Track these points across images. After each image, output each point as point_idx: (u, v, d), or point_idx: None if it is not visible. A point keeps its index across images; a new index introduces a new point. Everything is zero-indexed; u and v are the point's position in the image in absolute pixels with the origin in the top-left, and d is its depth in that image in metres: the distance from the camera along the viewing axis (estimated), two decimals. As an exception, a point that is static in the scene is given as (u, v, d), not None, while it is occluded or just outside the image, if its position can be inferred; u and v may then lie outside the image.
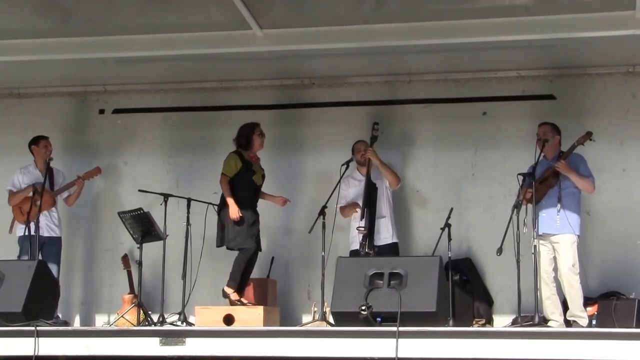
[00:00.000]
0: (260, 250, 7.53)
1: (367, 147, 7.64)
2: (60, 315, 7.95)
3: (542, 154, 7.06)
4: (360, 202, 7.54)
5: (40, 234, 7.78)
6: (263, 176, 7.57)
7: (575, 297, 6.85)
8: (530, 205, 6.83)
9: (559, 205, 6.86)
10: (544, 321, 6.76)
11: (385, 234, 7.64)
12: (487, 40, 7.40)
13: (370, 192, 7.53)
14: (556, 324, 6.83)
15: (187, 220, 7.61)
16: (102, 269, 8.75)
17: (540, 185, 6.94)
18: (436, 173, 8.41)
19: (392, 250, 7.59)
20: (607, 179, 7.43)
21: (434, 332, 5.76)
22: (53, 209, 8.06)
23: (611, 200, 7.89)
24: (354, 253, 7.49)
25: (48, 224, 7.98)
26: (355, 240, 7.52)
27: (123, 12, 7.41)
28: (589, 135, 6.94)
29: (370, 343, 5.78)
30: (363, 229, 7.35)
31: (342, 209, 7.73)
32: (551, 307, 6.90)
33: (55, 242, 8.04)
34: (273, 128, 8.56)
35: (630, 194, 8.02)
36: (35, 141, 8.17)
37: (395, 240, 7.71)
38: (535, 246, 6.69)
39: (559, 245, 6.89)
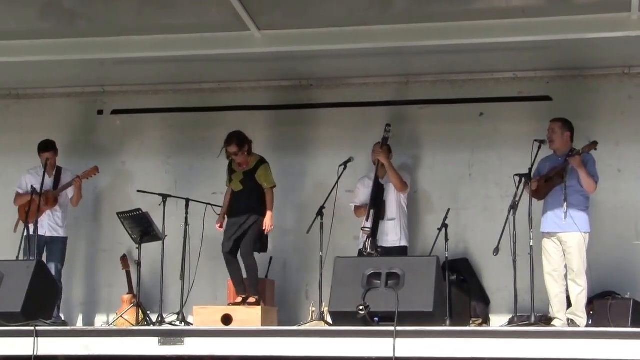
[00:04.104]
0: (235, 251, 7.44)
1: (378, 149, 7.66)
2: (62, 316, 7.98)
3: (553, 151, 7.13)
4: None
5: (43, 234, 7.83)
6: (242, 182, 7.52)
7: (579, 297, 6.87)
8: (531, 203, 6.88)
9: (565, 205, 6.90)
10: (547, 320, 6.80)
11: (394, 237, 7.63)
12: (484, 42, 7.42)
13: (377, 193, 7.55)
14: (560, 322, 6.86)
15: (185, 220, 7.65)
16: (101, 269, 8.76)
17: (545, 184, 7.01)
18: (433, 174, 8.44)
19: (400, 253, 7.54)
20: (603, 180, 7.42)
21: (431, 332, 5.78)
22: (57, 208, 8.06)
23: (607, 200, 7.90)
24: (360, 253, 7.48)
25: (50, 224, 7.99)
26: (362, 241, 7.53)
27: (122, 13, 7.42)
28: (594, 145, 6.96)
29: (368, 343, 5.80)
30: (368, 229, 7.38)
31: (357, 208, 7.75)
32: (557, 306, 6.94)
33: (58, 242, 8.04)
34: (271, 129, 8.62)
35: (626, 194, 8.06)
36: (39, 151, 8.10)
37: (404, 244, 7.68)
38: (531, 246, 6.73)
39: (567, 245, 6.93)
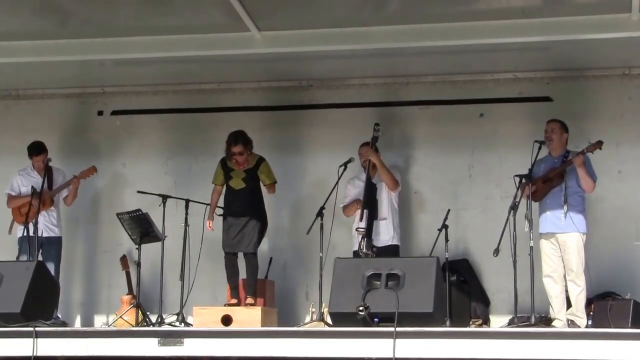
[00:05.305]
0: (242, 251, 7.49)
1: (369, 149, 7.66)
2: (60, 316, 7.97)
3: (548, 152, 7.12)
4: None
5: (39, 235, 7.81)
6: (245, 180, 7.58)
7: (578, 297, 6.90)
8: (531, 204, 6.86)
9: (565, 207, 6.90)
10: (547, 320, 6.79)
11: (385, 236, 7.63)
12: (484, 43, 7.43)
13: (370, 193, 7.54)
14: (560, 323, 6.87)
15: (185, 221, 7.65)
16: (101, 270, 8.77)
17: (543, 185, 7.01)
18: (433, 175, 8.44)
19: (392, 252, 7.56)
20: (603, 181, 7.46)
21: (431, 333, 5.78)
22: (52, 208, 8.07)
23: (607, 201, 7.92)
24: (355, 254, 7.50)
25: (46, 224, 7.99)
26: (356, 241, 7.52)
27: (121, 14, 7.42)
28: (599, 144, 6.96)
29: (368, 343, 5.79)
30: (363, 229, 7.37)
31: (345, 207, 7.75)
32: (557, 306, 6.95)
33: (54, 242, 8.05)
34: (271, 130, 8.62)
35: (626, 195, 8.06)
36: (29, 154, 8.13)
37: (396, 242, 7.68)
38: (531, 247, 6.73)
39: (566, 245, 6.94)
